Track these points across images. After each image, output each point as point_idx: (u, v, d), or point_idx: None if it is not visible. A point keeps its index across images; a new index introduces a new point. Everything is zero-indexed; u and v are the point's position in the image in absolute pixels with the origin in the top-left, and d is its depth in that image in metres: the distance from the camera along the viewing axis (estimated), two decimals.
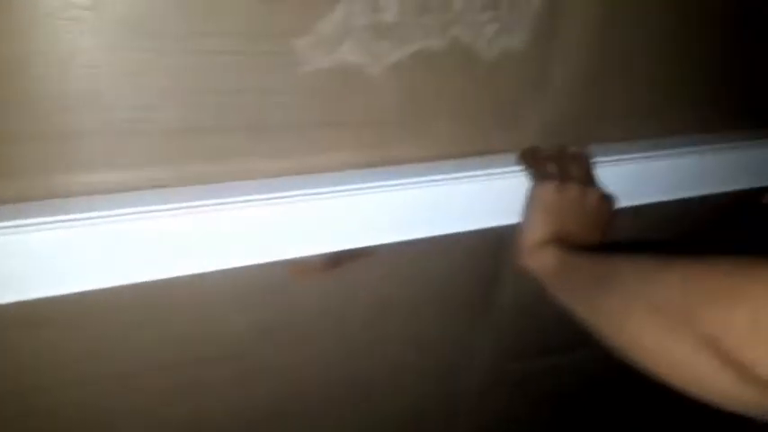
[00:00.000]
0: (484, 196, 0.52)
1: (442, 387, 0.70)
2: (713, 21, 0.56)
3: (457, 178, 0.50)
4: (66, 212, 0.40)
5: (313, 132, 0.46)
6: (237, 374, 0.56)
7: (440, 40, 0.46)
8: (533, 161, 0.52)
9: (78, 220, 0.40)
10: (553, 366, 0.75)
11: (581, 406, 0.83)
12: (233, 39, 0.40)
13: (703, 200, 0.63)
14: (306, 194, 0.46)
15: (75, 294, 0.42)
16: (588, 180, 0.52)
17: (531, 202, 0.51)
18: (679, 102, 0.60)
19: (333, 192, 0.47)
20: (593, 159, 0.54)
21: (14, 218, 0.39)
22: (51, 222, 0.39)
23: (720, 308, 0.35)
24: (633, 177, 0.57)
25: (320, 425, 0.66)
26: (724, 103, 0.63)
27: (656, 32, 0.54)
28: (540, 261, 0.50)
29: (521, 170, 0.52)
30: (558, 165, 0.52)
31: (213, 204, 0.43)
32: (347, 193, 0.47)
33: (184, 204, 0.43)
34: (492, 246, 0.59)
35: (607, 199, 0.52)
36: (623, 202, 0.58)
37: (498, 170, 0.52)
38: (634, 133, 0.59)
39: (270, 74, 0.42)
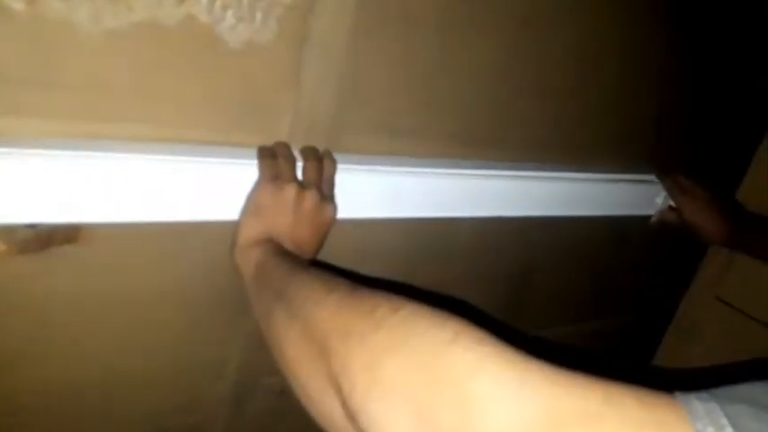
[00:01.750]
0: (218, 186, 0.50)
1: (189, 400, 0.65)
2: (480, 39, 0.61)
3: (188, 162, 0.48)
4: None
5: (17, 90, 0.41)
6: None
7: (172, 14, 0.44)
8: (266, 157, 0.51)
9: None
10: None
11: None
12: None
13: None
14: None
15: None
16: (321, 185, 0.52)
17: (247, 200, 0.51)
18: (437, 125, 0.64)
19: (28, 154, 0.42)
20: (337, 166, 0.55)
21: None
22: None
23: (348, 347, 0.32)
24: (384, 189, 0.60)
25: None
26: (487, 130, 0.68)
27: (418, 50, 0.57)
28: (243, 261, 0.49)
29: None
30: (290, 165, 0.51)
31: None
32: (47, 158, 0.42)
33: None
34: None
35: (325, 206, 0.52)
36: (369, 212, 0.60)
37: (238, 161, 0.51)
38: (389, 148, 0.61)
39: None
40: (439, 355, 0.29)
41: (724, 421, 0.24)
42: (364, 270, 0.64)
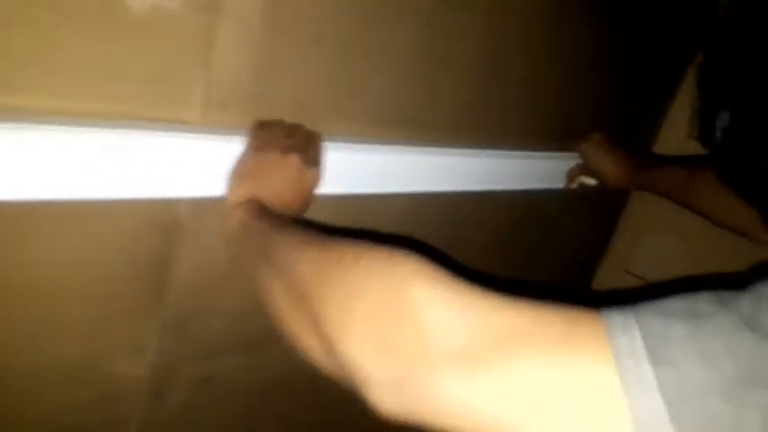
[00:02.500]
0: (125, 162, 0.48)
1: (105, 391, 0.61)
2: (396, 17, 0.61)
3: (90, 135, 0.46)
4: None
5: None
6: None
7: None
8: (257, 128, 0.54)
9: None
10: (245, 365, 0.73)
11: (275, 404, 0.81)
12: None
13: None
14: None
15: None
16: (307, 152, 0.55)
17: (235, 164, 0.53)
18: (355, 103, 0.64)
19: None
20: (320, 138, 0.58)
21: None
22: None
23: (323, 295, 0.36)
24: None
25: None
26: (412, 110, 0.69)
27: (334, 25, 0.57)
28: (228, 222, 0.51)
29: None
30: (279, 133, 0.54)
31: None
32: None
33: None
34: (163, 221, 0.54)
35: (308, 171, 0.54)
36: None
37: (144, 134, 0.48)
38: (308, 124, 0.60)
39: None
40: (398, 291, 0.33)
41: (636, 332, 0.28)
42: None
